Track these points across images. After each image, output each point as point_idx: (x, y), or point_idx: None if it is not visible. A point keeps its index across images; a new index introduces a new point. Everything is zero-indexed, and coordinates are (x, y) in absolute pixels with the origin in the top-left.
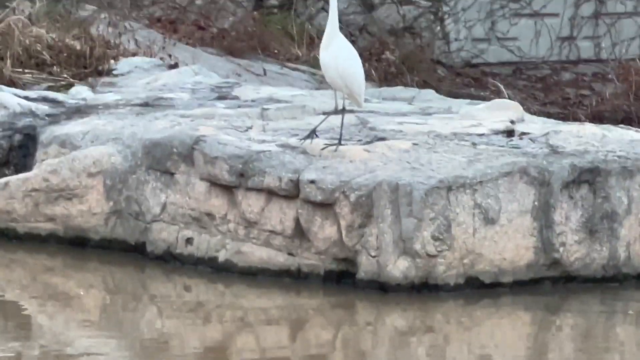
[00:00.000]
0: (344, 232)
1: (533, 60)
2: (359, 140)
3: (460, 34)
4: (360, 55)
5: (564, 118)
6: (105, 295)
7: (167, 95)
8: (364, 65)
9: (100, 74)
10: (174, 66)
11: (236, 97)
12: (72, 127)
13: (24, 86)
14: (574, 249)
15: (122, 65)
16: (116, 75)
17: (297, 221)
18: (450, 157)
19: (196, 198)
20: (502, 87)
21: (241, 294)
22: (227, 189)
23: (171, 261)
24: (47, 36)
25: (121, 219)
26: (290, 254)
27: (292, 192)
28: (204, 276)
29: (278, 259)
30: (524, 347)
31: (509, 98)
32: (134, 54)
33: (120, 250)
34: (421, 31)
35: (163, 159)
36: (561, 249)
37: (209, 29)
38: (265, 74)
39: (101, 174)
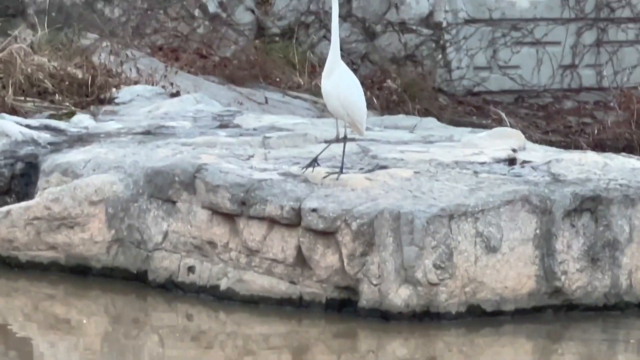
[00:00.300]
0: (345, 261)
1: (535, 88)
2: (361, 169)
3: (462, 62)
4: (362, 83)
5: (566, 146)
6: (107, 323)
7: (169, 124)
8: (365, 94)
9: (102, 102)
10: (176, 94)
11: (238, 126)
12: (74, 156)
13: (26, 114)
14: (576, 277)
15: (124, 93)
16: (118, 104)
17: (298, 249)
18: (452, 186)
19: (198, 226)
20: (503, 115)
21: (243, 322)
22: (229, 217)
23: (173, 289)
24: (49, 64)
25: (123, 247)
26: (292, 282)
27: (293, 221)
28: (206, 304)
29: (280, 287)
30: None
31: (511, 126)
32: (135, 82)
33: (122, 279)
34: (423, 59)
35: (165, 188)
36: (563, 277)
37: (211, 57)
38: (267, 102)
39: (103, 202)
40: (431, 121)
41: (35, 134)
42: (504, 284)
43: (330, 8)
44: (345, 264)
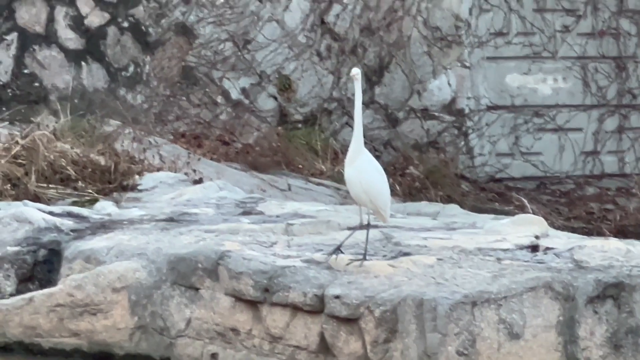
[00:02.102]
0: (369, 347)
1: (557, 174)
2: (384, 256)
3: (485, 149)
4: (385, 169)
5: (588, 233)
6: None
7: (192, 211)
8: (388, 180)
9: (124, 189)
10: (199, 181)
11: (261, 212)
12: (97, 243)
13: (48, 201)
14: None
15: (147, 180)
16: (141, 191)
17: (321, 336)
18: (475, 272)
19: (221, 313)
20: (526, 201)
21: None
22: (252, 304)
23: None
24: (71, 151)
25: (146, 334)
26: None
27: (316, 307)
28: None
29: None
30: None
31: (533, 213)
32: (158, 169)
33: None
34: (445, 146)
35: (188, 274)
36: None
37: (234, 144)
38: (289, 189)
39: (126, 289)
40: (454, 208)
41: (58, 220)
42: None
43: (353, 95)
44: (368, 350)
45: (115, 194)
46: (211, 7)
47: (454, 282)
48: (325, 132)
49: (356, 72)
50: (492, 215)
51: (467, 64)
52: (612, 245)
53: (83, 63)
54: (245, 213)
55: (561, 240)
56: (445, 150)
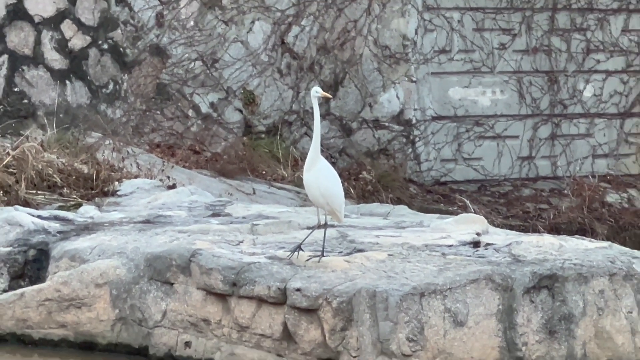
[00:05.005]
0: (327, 335)
1: (496, 178)
2: (340, 252)
3: (430, 155)
4: (340, 175)
5: (525, 230)
6: None
7: (166, 213)
8: (343, 184)
9: (106, 194)
10: (172, 187)
11: (228, 214)
12: (81, 243)
13: (37, 206)
14: (535, 348)
15: (126, 186)
16: (120, 196)
17: (284, 325)
18: (423, 266)
19: (193, 305)
20: (468, 202)
21: None
22: (222, 297)
23: None
24: (57, 161)
25: (126, 325)
26: (279, 355)
27: (280, 299)
28: None
29: (268, 359)
30: None
31: (475, 212)
32: (136, 176)
33: (126, 353)
34: (395, 153)
35: (163, 271)
36: (523, 348)
37: (203, 153)
38: (254, 193)
39: (107, 284)
40: (403, 208)
41: (45, 223)
42: (471, 354)
43: (311, 108)
44: (326, 338)
45: (97, 199)
46: (182, 29)
47: (403, 275)
48: (286, 142)
49: (319, 91)
50: (438, 215)
51: (414, 79)
52: (547, 241)
53: (67, 81)
54: (215, 215)
55: (500, 236)
56: (394, 157)
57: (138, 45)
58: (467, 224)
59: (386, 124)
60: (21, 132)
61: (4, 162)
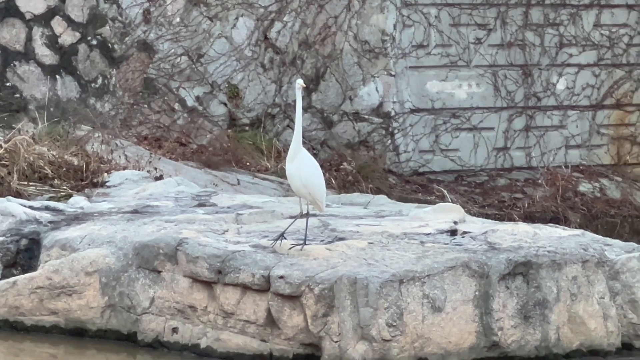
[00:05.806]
0: (309, 321)
1: (472, 168)
2: (322, 240)
3: (409, 147)
4: (321, 166)
5: (500, 218)
6: None
7: (154, 203)
8: (324, 175)
9: (95, 185)
10: (159, 178)
11: (214, 204)
12: (72, 232)
13: (29, 197)
14: (511, 333)
15: (114, 177)
16: (109, 187)
17: (268, 311)
18: (402, 254)
19: (180, 292)
20: (445, 192)
21: None
22: (207, 284)
23: (159, 348)
24: (48, 153)
25: (115, 311)
26: (263, 340)
27: (263, 286)
28: None
29: (252, 344)
30: None
31: (452, 202)
32: (124, 168)
33: (115, 339)
34: (374, 144)
35: (151, 259)
36: (499, 333)
37: (189, 145)
38: (238, 183)
39: (97, 272)
40: (382, 198)
41: (37, 214)
42: (448, 339)
43: (294, 101)
44: (309, 323)
45: (87, 190)
46: (168, 26)
47: (383, 262)
48: (269, 134)
49: (301, 83)
50: (416, 204)
51: (393, 73)
52: (521, 229)
53: (57, 76)
54: (200, 205)
55: (476, 225)
56: (374, 148)
57: (126, 41)
58: (445, 213)
59: (366, 116)
60: (13, 125)
61: None
